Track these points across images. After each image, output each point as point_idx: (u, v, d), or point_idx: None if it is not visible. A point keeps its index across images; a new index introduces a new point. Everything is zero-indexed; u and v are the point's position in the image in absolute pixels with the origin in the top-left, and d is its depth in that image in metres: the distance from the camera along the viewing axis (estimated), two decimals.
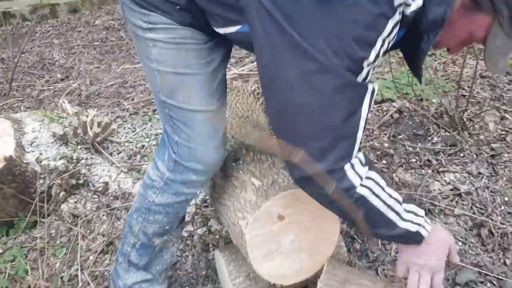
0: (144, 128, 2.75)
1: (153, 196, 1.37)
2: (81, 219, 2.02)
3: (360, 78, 0.97)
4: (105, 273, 1.80)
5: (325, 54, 0.91)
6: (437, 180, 2.10)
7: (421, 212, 1.15)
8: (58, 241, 1.95)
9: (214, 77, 1.24)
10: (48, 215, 2.02)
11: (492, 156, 2.18)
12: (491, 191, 1.97)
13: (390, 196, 1.09)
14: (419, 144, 2.32)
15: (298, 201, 1.29)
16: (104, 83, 3.45)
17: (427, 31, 0.98)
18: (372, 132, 2.45)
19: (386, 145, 2.35)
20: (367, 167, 1.07)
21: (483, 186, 2.00)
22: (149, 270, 1.52)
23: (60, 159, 2.07)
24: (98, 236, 1.96)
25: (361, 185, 1.05)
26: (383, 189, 1.08)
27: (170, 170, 1.32)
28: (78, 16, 5.03)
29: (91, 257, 1.87)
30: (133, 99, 3.15)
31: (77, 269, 1.81)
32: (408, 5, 0.92)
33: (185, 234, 1.94)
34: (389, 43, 0.96)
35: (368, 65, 0.95)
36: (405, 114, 2.56)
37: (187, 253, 1.86)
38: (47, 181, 1.99)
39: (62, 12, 4.96)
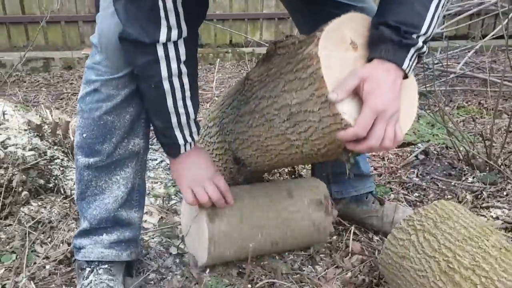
0: None
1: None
2: (43, 224, 1.57)
3: None
4: (64, 287, 1.34)
5: None
6: (482, 215, 1.76)
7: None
8: (8, 246, 1.49)
9: None
10: (6, 217, 1.58)
11: None
12: None
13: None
14: (453, 182, 2.01)
15: None
16: None
17: None
18: (397, 171, 2.13)
19: (416, 179, 2.03)
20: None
21: None
22: (85, 214, 1.24)
23: (30, 149, 1.68)
24: (61, 244, 1.51)
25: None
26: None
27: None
28: (72, 72, 4.88)
29: (47, 266, 1.41)
30: None
31: (25, 277, 1.34)
32: None
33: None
34: None
35: None
36: (432, 157, 2.28)
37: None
38: (9, 172, 1.59)
39: (56, 67, 4.79)
